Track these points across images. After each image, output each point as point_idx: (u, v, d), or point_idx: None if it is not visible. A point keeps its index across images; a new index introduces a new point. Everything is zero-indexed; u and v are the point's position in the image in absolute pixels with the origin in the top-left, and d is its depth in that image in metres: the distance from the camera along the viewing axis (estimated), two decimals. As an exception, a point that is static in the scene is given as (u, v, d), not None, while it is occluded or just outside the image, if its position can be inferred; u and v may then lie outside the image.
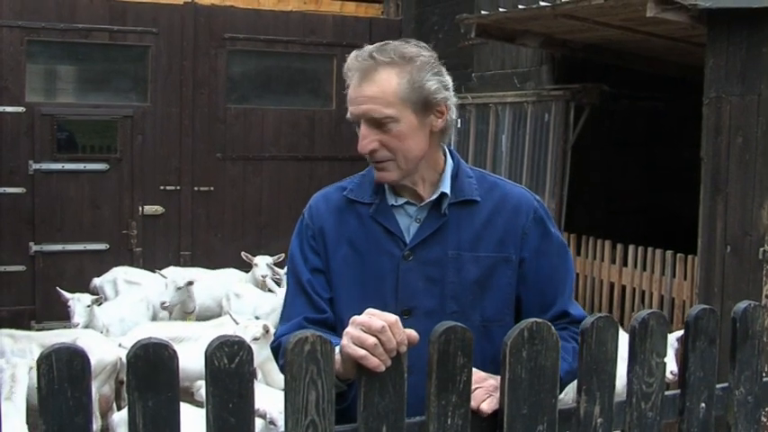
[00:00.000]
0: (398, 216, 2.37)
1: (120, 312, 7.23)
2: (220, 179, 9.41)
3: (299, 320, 2.33)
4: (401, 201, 2.37)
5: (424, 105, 2.27)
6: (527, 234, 2.36)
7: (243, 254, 8.16)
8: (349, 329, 1.90)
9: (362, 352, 1.83)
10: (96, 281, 8.06)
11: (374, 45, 2.30)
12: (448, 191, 2.35)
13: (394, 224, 2.36)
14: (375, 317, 1.87)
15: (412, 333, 1.88)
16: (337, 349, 1.90)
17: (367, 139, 2.26)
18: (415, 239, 2.34)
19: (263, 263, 8.01)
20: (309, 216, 2.44)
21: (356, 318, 1.91)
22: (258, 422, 4.59)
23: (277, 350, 2.36)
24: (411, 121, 2.26)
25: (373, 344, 1.83)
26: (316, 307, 2.35)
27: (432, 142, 2.33)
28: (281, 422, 4.59)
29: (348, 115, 2.31)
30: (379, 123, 2.25)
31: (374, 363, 1.82)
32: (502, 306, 2.36)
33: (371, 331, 1.84)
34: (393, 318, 1.87)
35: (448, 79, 2.32)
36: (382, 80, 2.24)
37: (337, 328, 2.31)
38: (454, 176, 2.38)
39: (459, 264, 2.32)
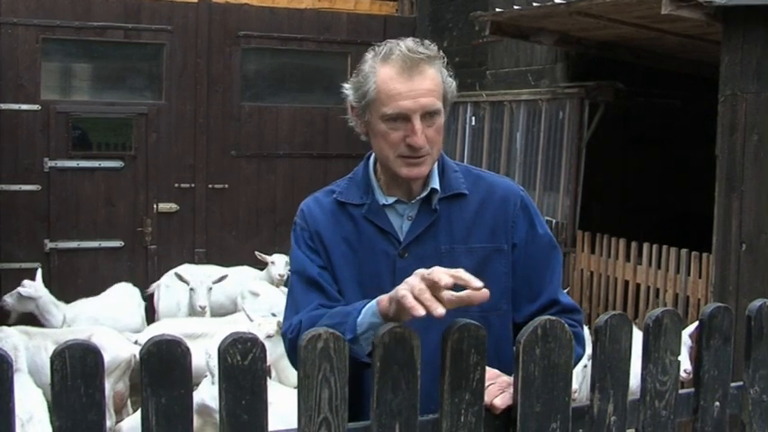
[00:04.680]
0: (390, 215, 2.40)
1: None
2: (235, 177, 9.42)
3: (314, 305, 2.32)
4: (392, 199, 2.39)
5: (450, 100, 2.35)
6: (516, 223, 2.40)
7: (257, 253, 8.15)
8: (413, 278, 1.94)
9: (405, 293, 1.89)
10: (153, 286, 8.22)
11: (406, 40, 2.30)
12: (437, 186, 2.37)
13: (387, 223, 2.38)
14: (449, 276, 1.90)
15: (485, 293, 1.91)
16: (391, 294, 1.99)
17: (423, 133, 2.26)
18: (408, 237, 2.36)
19: (281, 261, 7.96)
20: (304, 220, 2.46)
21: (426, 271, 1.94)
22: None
23: (293, 342, 2.31)
24: (443, 115, 2.32)
25: (420, 289, 1.89)
26: (329, 296, 2.36)
27: None
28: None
29: (390, 110, 2.26)
30: (428, 117, 2.26)
31: (411, 302, 1.87)
32: (498, 295, 2.36)
33: (429, 283, 1.89)
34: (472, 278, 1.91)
35: None
36: (433, 74, 2.28)
37: None
38: (441, 172, 2.41)
39: (453, 257, 2.34)
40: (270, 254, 8.15)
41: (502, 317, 2.38)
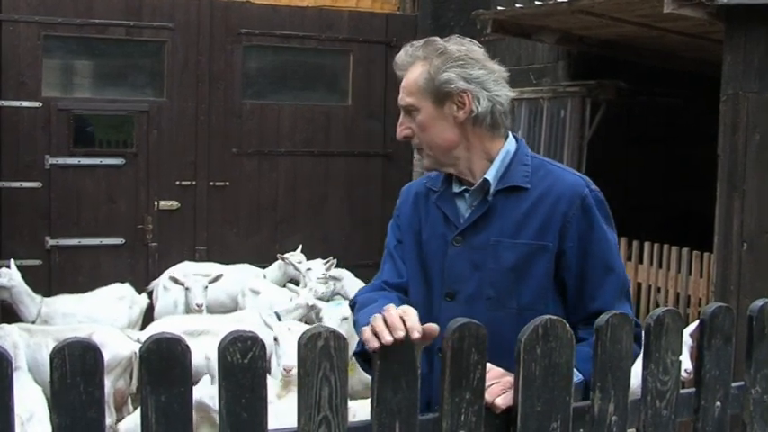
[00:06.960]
0: (459, 203, 2.47)
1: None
2: (236, 174, 9.40)
3: (379, 282, 2.54)
4: (461, 188, 2.47)
5: (438, 95, 2.38)
6: (570, 222, 2.35)
7: (279, 256, 8.18)
8: (380, 316, 1.94)
9: (369, 335, 1.88)
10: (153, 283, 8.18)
11: (420, 41, 2.48)
12: (490, 178, 2.41)
13: (451, 210, 2.46)
14: (408, 317, 1.92)
15: (432, 326, 1.92)
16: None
17: (401, 126, 2.46)
18: (463, 225, 2.42)
19: (315, 265, 7.90)
20: (399, 198, 2.65)
21: (391, 307, 1.96)
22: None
23: (353, 307, 2.56)
24: (429, 110, 2.40)
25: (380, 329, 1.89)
26: (399, 272, 2.53)
27: (467, 132, 2.42)
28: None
29: None
30: (408, 112, 2.42)
31: (375, 345, 1.87)
32: (537, 295, 2.36)
33: (392, 327, 1.88)
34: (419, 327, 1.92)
35: (479, 72, 2.39)
36: (411, 72, 2.42)
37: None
38: (508, 164, 2.43)
39: (498, 250, 2.37)
40: (274, 252, 8.20)
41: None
